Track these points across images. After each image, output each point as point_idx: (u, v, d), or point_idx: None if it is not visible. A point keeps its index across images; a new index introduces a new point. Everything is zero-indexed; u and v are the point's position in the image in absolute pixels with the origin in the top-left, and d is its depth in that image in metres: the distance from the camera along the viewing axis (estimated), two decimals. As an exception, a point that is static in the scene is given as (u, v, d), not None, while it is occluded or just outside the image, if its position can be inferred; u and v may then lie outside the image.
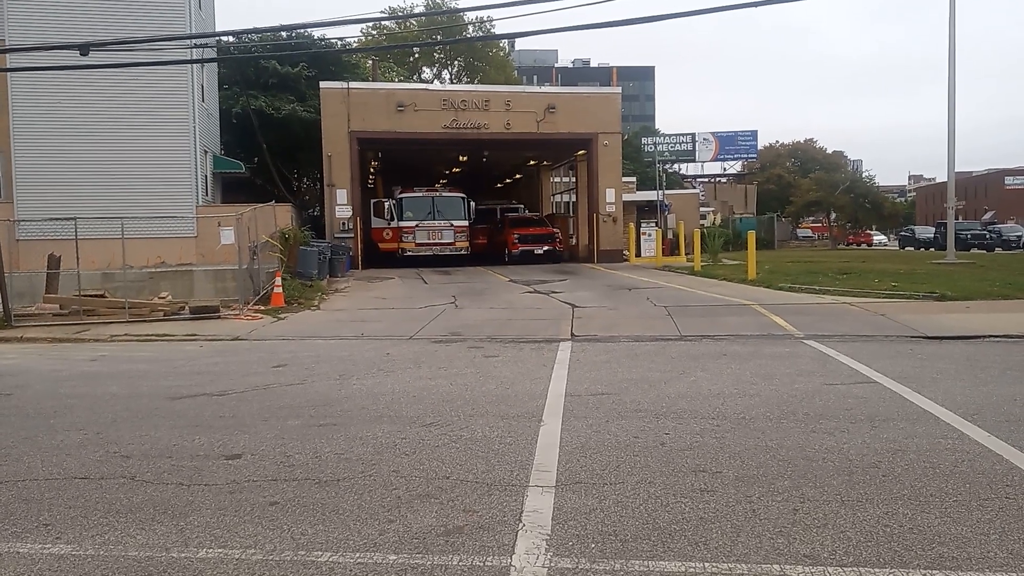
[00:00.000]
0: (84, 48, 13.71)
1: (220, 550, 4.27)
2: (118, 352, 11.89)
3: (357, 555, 4.17)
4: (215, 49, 26.02)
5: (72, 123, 22.94)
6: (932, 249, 44.81)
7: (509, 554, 4.15)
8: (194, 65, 22.97)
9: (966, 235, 45.24)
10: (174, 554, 4.23)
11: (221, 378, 9.37)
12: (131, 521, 4.71)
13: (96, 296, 16.26)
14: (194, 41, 21.74)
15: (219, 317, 15.23)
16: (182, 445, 6.37)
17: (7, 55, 21.07)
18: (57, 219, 16.90)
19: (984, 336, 11.39)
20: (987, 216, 71.25)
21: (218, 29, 28.45)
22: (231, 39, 32.12)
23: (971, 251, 40.94)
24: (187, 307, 15.95)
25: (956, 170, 28.75)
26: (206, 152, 25.92)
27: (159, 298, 16.83)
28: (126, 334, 13.53)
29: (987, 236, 47.02)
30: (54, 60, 19.84)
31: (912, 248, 51.44)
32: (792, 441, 6.15)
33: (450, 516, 4.69)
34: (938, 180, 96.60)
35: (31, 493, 5.26)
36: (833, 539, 4.27)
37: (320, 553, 4.20)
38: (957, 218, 35.53)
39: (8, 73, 21.83)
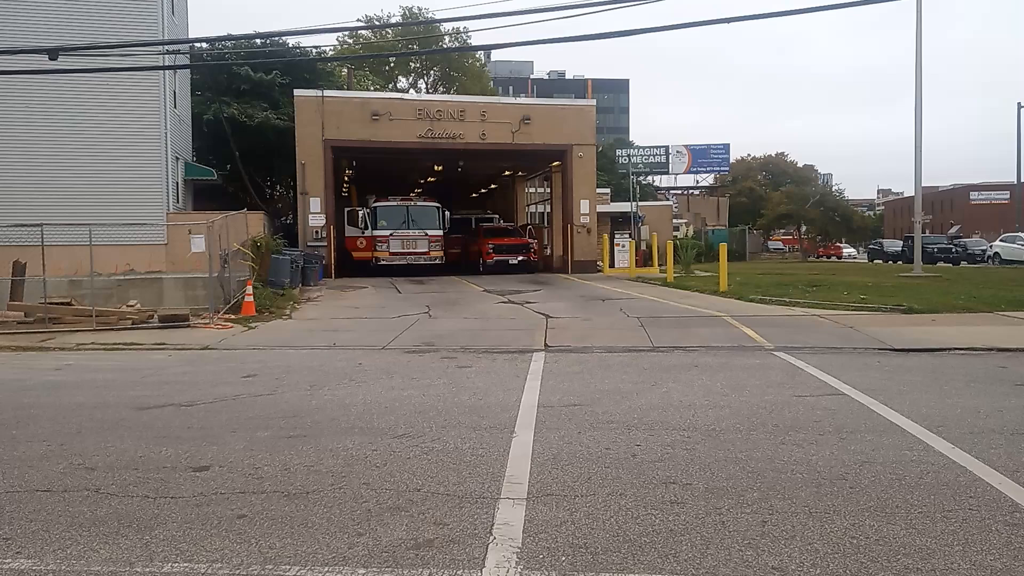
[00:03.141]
0: (53, 52, 13.51)
1: (186, 564, 4.20)
2: (84, 361, 11.69)
3: (326, 569, 4.13)
4: (188, 55, 25.80)
5: (40, 128, 22.57)
6: (900, 262, 45.53)
7: (479, 567, 4.13)
8: (166, 71, 22.74)
9: (933, 249, 46.04)
10: (138, 569, 4.15)
11: (190, 388, 9.24)
12: (95, 535, 4.62)
13: (62, 304, 15.97)
14: (166, 47, 21.53)
15: (189, 326, 15.04)
16: (148, 457, 6.27)
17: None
18: (23, 225, 16.61)
19: (949, 349, 11.60)
20: (953, 230, 72.64)
21: (191, 35, 28.20)
22: (204, 45, 31.88)
23: (937, 264, 41.66)
24: (156, 315, 15.73)
25: (923, 185, 29.33)
26: (177, 159, 25.64)
27: (127, 306, 16.57)
28: (93, 343, 13.31)
29: (953, 250, 47.88)
30: (23, 64, 19.51)
31: (880, 261, 52.24)
32: (761, 453, 6.21)
33: (420, 529, 4.66)
34: (906, 194, 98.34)
35: (-9, 506, 5.14)
36: (801, 551, 4.31)
37: (288, 567, 4.15)
38: (924, 232, 36.18)
39: (-26, 76, 21.44)
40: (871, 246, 61.79)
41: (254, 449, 6.44)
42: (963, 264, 43.82)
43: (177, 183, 25.49)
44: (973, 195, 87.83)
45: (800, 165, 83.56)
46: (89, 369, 10.93)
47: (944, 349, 11.58)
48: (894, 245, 54.82)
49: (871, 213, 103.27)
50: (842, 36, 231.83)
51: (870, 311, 16.15)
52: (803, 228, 67.95)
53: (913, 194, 30.20)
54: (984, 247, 47.57)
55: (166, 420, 7.59)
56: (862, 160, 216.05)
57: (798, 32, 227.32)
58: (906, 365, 10.39)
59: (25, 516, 4.94)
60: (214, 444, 6.62)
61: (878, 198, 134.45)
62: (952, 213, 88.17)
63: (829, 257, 65.59)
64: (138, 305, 16.74)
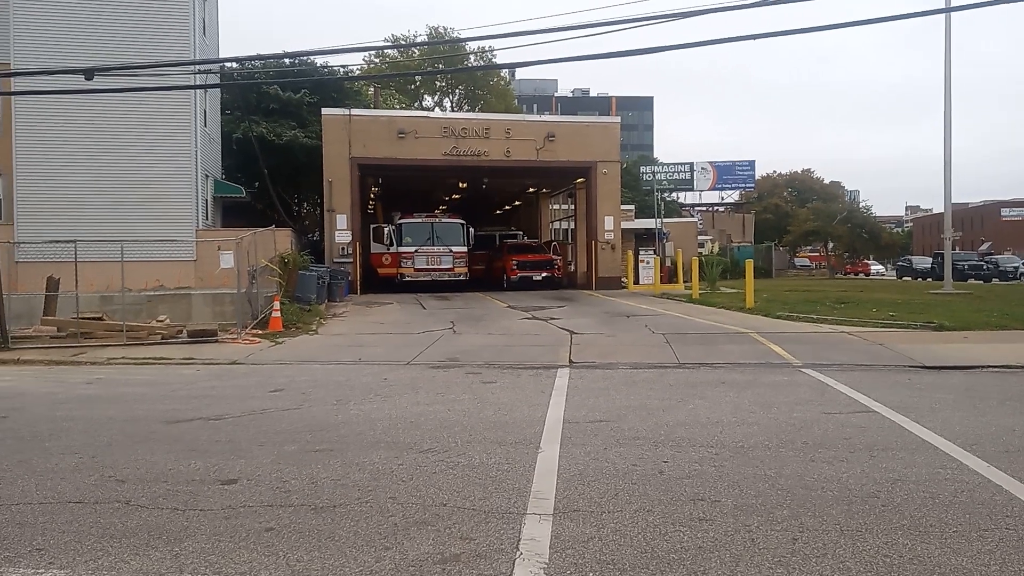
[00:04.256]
0: (88, 73, 13.82)
1: (214, 576, 4.23)
2: (115, 375, 11.86)
3: (353, 582, 4.14)
4: (218, 75, 26.27)
5: (74, 146, 23.08)
6: (929, 279, 44.91)
7: (506, 582, 4.11)
8: (197, 90, 23.15)
9: (963, 266, 45.36)
10: (168, 580, 4.19)
11: (218, 402, 9.33)
12: (125, 546, 4.67)
13: (94, 319, 16.23)
14: (198, 67, 21.94)
15: (217, 341, 15.21)
16: (178, 469, 6.34)
17: (12, 79, 21.26)
18: (57, 241, 16.93)
19: (982, 366, 11.39)
20: (984, 247, 71.50)
21: (221, 55, 28.72)
22: (234, 65, 32.43)
23: (968, 282, 41.03)
24: (185, 330, 15.92)
25: (953, 201, 28.92)
26: (207, 176, 26.04)
27: (157, 321, 16.81)
28: (123, 357, 13.50)
29: (984, 267, 47.16)
30: (58, 84, 20.01)
31: (909, 278, 51.56)
32: (791, 470, 6.13)
33: (447, 544, 4.65)
34: (935, 211, 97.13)
35: (25, 517, 5.21)
36: (833, 569, 4.24)
37: (315, 580, 4.16)
38: (954, 249, 35.61)
39: (12, 96, 22.02)
40: (900, 263, 61.03)
41: (281, 463, 6.49)
42: (994, 281, 43.13)
43: (207, 200, 25.88)
44: (1004, 211, 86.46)
45: (827, 181, 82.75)
46: (120, 383, 11.09)
47: (977, 367, 11.38)
48: (923, 262, 54.10)
49: (899, 230, 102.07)
50: (870, 51, 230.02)
51: (900, 328, 15.92)
52: (830, 245, 67.18)
53: (942, 211, 29.81)
54: (1016, 264, 46.79)
55: (195, 434, 7.67)
56: (890, 176, 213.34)
57: (825, 48, 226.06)
58: (938, 383, 10.22)
59: (57, 527, 5.01)
60: (242, 458, 6.67)
61: (906, 215, 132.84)
62: (983, 230, 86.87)
63: (857, 274, 64.80)
64: (167, 320, 16.98)
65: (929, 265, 50.18)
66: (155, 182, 23.37)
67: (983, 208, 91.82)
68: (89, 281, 17.28)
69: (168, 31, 23.57)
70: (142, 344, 14.92)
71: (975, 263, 48.32)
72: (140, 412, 8.80)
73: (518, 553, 4.49)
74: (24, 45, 22.71)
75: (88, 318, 16.14)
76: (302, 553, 4.53)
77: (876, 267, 72.17)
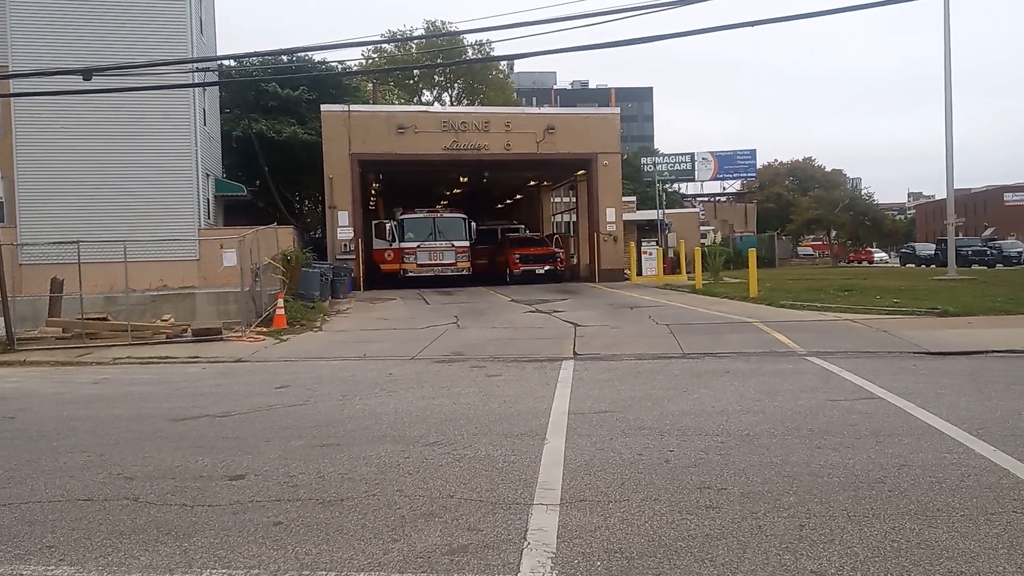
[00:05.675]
0: (87, 73, 13.83)
1: (224, 571, 4.25)
2: (120, 375, 11.89)
3: (361, 574, 4.16)
4: (216, 73, 26.25)
5: (75, 147, 23.09)
6: (933, 266, 44.85)
7: (514, 572, 4.13)
8: (196, 89, 23.14)
9: (967, 251, 45.31)
10: (178, 575, 4.21)
11: (224, 399, 9.36)
12: (134, 542, 4.69)
13: (99, 319, 16.28)
14: (196, 65, 21.93)
15: (221, 339, 15.23)
16: (185, 466, 6.36)
17: (10, 80, 21.27)
18: (60, 243, 16.96)
19: (987, 351, 11.38)
20: (987, 232, 71.33)
21: (219, 53, 28.69)
22: (232, 63, 32.37)
23: (972, 267, 40.97)
24: (189, 329, 15.96)
25: (955, 187, 28.87)
26: (208, 175, 26.04)
27: (161, 321, 16.85)
28: (128, 357, 13.53)
29: (988, 252, 47.12)
30: (57, 85, 19.99)
31: (913, 265, 51.51)
32: (797, 457, 6.14)
33: (454, 535, 4.67)
34: (937, 197, 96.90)
35: (34, 515, 5.24)
36: (840, 555, 4.25)
37: (324, 573, 4.19)
38: (957, 235, 35.55)
39: (12, 99, 22.03)
40: (903, 250, 60.99)
41: (288, 458, 6.50)
42: (998, 267, 43.09)
43: (208, 199, 25.89)
44: (1007, 196, 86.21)
45: (828, 170, 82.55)
46: (126, 382, 11.12)
47: (982, 352, 11.36)
48: (927, 249, 54.07)
49: (902, 217, 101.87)
50: (870, 38, 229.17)
51: (904, 315, 15.90)
52: (833, 233, 67.09)
53: (945, 197, 29.75)
54: (1020, 249, 46.77)
55: (201, 431, 7.69)
56: (892, 164, 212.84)
57: (825, 34, 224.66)
58: (943, 368, 10.22)
59: (67, 524, 5.03)
60: (249, 453, 6.69)
61: (909, 202, 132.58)
62: (986, 215, 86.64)
63: (860, 262, 64.76)
64: (172, 320, 17.02)
65: (932, 251, 50.16)
66: (156, 182, 23.39)
67: (986, 193, 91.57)
68: (93, 282, 17.31)
69: (165, 31, 23.53)
70: (147, 344, 14.96)
71: (979, 249, 48.26)
72: (146, 410, 8.83)
73: (526, 543, 4.50)
74: (22, 47, 22.69)
75: (93, 319, 16.18)
76: (310, 546, 4.55)
77: (879, 255, 72.09)
